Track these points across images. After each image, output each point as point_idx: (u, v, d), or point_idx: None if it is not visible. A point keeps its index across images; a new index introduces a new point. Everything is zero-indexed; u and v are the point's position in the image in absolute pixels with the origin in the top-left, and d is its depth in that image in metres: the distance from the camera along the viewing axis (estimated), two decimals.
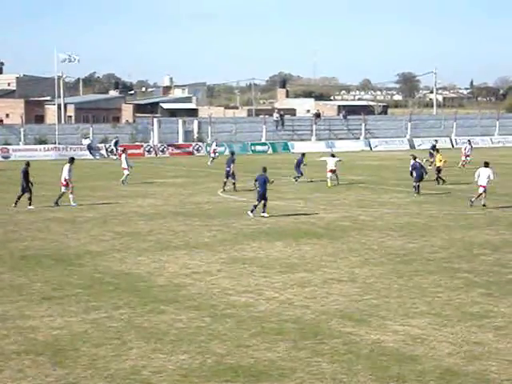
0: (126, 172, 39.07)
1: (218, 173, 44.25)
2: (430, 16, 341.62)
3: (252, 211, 27.05)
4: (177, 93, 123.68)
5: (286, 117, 78.92)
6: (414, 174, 34.44)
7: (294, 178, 40.15)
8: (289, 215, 27.67)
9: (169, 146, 65.95)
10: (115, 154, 60.75)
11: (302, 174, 40.31)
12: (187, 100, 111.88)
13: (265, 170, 28.02)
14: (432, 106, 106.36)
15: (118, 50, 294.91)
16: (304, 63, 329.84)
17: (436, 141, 53.96)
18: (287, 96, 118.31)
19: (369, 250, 21.04)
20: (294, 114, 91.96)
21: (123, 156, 40.19)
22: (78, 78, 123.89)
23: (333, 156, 40.67)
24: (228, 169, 35.96)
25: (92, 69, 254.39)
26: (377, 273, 18.22)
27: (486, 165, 29.93)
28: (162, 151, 65.21)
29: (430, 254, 20.45)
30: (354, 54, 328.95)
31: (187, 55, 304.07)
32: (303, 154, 39.81)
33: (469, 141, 54.94)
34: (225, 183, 36.31)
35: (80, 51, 79.58)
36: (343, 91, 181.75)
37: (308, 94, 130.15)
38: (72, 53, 63.68)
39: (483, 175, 29.47)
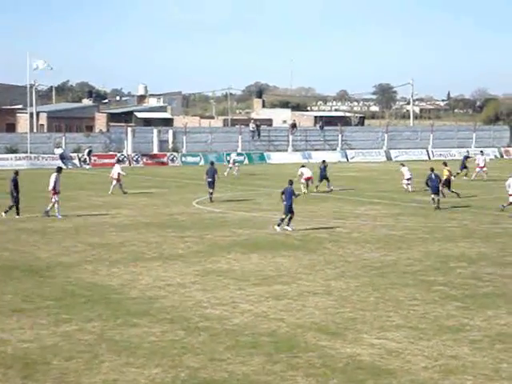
0: (115, 182, 39.28)
1: (192, 183, 44.12)
2: (407, 27, 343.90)
3: (279, 225, 26.50)
4: (151, 102, 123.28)
5: (263, 127, 78.90)
6: (431, 184, 33.80)
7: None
8: (265, 227, 27.53)
9: (143, 155, 65.63)
10: (88, 164, 60.41)
11: (328, 180, 41.79)
12: (162, 109, 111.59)
13: (291, 182, 27.32)
14: (409, 118, 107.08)
15: (92, 59, 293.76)
16: (281, 73, 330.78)
17: (468, 152, 51.96)
18: (264, 106, 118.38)
19: (345, 263, 20.93)
20: (271, 125, 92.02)
21: (116, 166, 40.17)
22: (51, 87, 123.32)
23: (303, 166, 41.11)
24: (211, 179, 35.88)
25: (65, 77, 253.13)
26: (353, 285, 18.09)
27: None
28: (136, 161, 64.86)
29: (406, 267, 20.37)
30: (331, 65, 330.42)
31: (163, 64, 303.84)
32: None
33: (481, 152, 54.16)
34: (211, 193, 36.03)
35: (53, 59, 79.22)
36: (320, 102, 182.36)
37: (285, 105, 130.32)
38: (46, 61, 63.01)
39: None
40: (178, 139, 70.67)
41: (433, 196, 33.54)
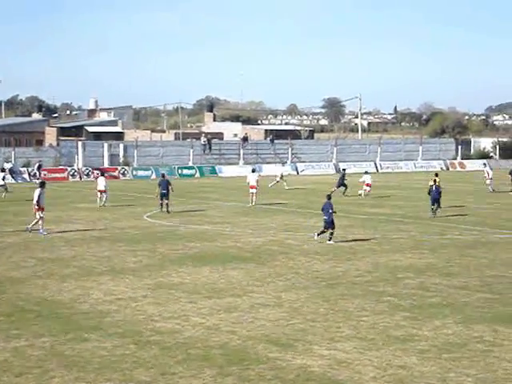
0: (104, 194, 39.68)
1: (143, 197, 43.96)
2: (354, 41, 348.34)
3: (330, 239, 26.78)
4: (102, 116, 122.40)
5: (214, 141, 79.01)
6: (431, 196, 35.20)
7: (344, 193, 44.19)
8: (216, 240, 27.61)
9: (94, 169, 65.16)
10: (38, 178, 59.73)
11: (346, 187, 45.28)
12: (113, 123, 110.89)
13: (329, 197, 27.45)
14: (357, 131, 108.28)
15: (42, 73, 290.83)
16: (231, 87, 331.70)
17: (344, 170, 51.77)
18: (214, 120, 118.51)
19: (295, 274, 21.10)
20: (222, 138, 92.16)
21: (101, 179, 40.57)
22: (0, 101, 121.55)
23: (253, 171, 41.25)
24: (165, 191, 36.54)
25: (14, 91, 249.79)
26: (303, 297, 18.26)
27: None
28: (87, 175, 64.33)
29: (356, 278, 20.63)
30: (280, 79, 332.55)
31: (113, 78, 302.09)
32: (344, 169, 39.09)
33: (485, 164, 55.17)
34: (162, 205, 36.78)
35: (2, 73, 78.32)
36: (270, 115, 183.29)
37: (235, 118, 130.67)
38: None
39: None
40: (129, 153, 70.32)
41: (432, 206, 34.92)
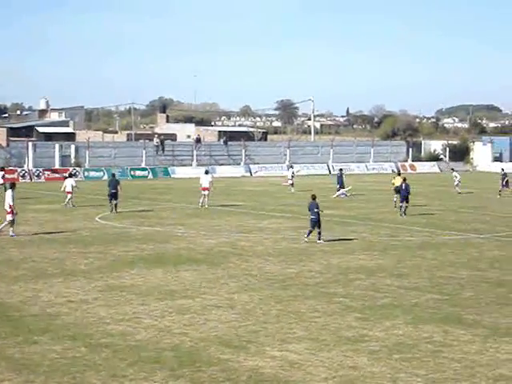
0: (69, 196, 39.86)
1: (95, 198, 43.55)
2: (307, 44, 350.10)
3: (319, 238, 27.33)
4: (53, 116, 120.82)
5: (167, 142, 78.63)
6: (401, 194, 36.96)
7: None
8: (169, 241, 27.50)
9: (45, 170, 64.34)
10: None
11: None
12: (64, 124, 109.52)
13: (314, 197, 27.90)
14: (310, 133, 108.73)
15: None
16: (185, 88, 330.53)
17: (502, 169, 52.41)
18: (167, 121, 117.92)
19: (248, 276, 21.12)
20: (175, 139, 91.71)
21: (69, 180, 40.88)
22: None
23: (206, 173, 41.17)
24: (114, 191, 36.89)
25: None
26: (256, 298, 18.29)
27: None
28: (38, 176, 63.49)
29: (308, 279, 20.73)
30: (234, 81, 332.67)
31: (65, 78, 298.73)
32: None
33: (452, 169, 56.14)
34: (111, 204, 37.12)
35: None
36: (224, 117, 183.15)
37: (189, 120, 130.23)
38: None
39: None
40: (81, 154, 69.64)
41: (401, 204, 36.59)
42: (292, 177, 53.03)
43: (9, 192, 29.29)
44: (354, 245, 27.16)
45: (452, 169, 57.35)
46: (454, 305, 17.79)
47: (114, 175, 40.25)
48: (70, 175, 44.68)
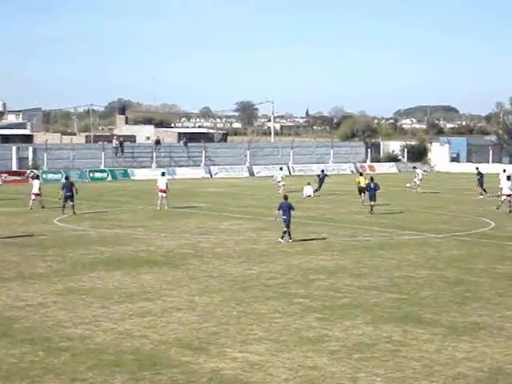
0: (33, 197, 40.07)
1: (53, 201, 43.10)
2: (266, 45, 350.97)
3: (283, 238, 27.73)
4: (10, 118, 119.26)
5: (126, 143, 78.16)
6: (369, 193, 38.92)
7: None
8: (128, 244, 27.34)
9: (1, 173, 63.52)
10: None
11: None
12: (21, 126, 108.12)
13: (286, 197, 28.85)
14: (270, 134, 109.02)
15: None
16: (144, 90, 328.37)
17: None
18: (127, 122, 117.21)
19: (209, 278, 21.09)
20: (134, 141, 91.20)
21: (36, 181, 41.23)
22: None
23: (163, 175, 40.99)
24: (70, 193, 37.11)
25: None
26: (216, 300, 18.27)
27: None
28: None
29: (268, 280, 20.76)
30: (194, 82, 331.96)
31: (21, 80, 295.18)
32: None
33: (415, 167, 57.22)
34: (64, 207, 36.99)
35: None
36: (183, 118, 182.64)
37: (148, 121, 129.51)
38: None
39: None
40: (39, 156, 68.90)
41: (370, 203, 38.12)
42: (281, 180, 51.93)
43: None
44: (314, 245, 27.27)
45: (414, 167, 57.92)
46: (413, 304, 17.97)
47: (67, 178, 40.99)
48: (37, 177, 44.99)
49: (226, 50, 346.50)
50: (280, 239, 27.63)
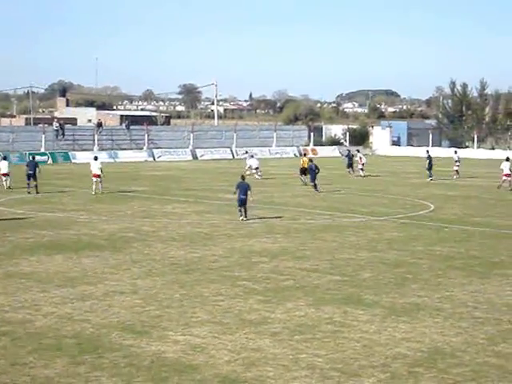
0: (8, 177, 41.08)
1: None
2: (209, 27, 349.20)
3: (241, 216, 28.92)
4: None
5: (67, 126, 77.07)
6: (309, 174, 41.21)
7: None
8: (69, 228, 27.05)
9: None
10: None
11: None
12: None
13: (243, 177, 30.25)
14: (213, 117, 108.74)
15: None
16: (85, 72, 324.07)
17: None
18: (68, 105, 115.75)
19: (151, 261, 21.01)
20: (75, 124, 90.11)
21: (4, 162, 42.17)
22: None
23: (95, 159, 40.35)
24: (31, 171, 38.77)
25: None
26: (159, 283, 18.22)
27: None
28: None
29: (212, 263, 20.79)
30: (136, 64, 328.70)
31: None
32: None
33: (358, 150, 57.65)
34: (29, 185, 38.62)
35: None
36: (126, 101, 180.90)
37: (90, 104, 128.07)
38: None
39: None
40: None
41: (314, 183, 40.45)
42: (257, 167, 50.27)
43: None
44: (257, 228, 27.37)
45: (357, 150, 58.30)
46: (354, 286, 18.20)
47: (33, 158, 42.56)
48: (5, 158, 45.46)
49: (170, 31, 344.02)
50: (243, 218, 28.83)
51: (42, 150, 68.85)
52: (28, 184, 38.69)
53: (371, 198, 38.82)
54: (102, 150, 72.36)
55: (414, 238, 25.72)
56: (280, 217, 30.59)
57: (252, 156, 53.69)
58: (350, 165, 52.37)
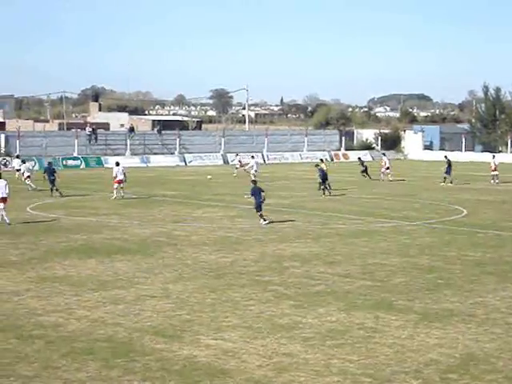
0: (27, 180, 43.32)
1: (26, 189, 42.81)
2: (242, 34, 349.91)
3: (264, 220, 29.33)
4: None
5: (100, 131, 77.67)
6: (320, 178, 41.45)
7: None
8: (102, 231, 27.24)
9: None
10: None
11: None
12: None
13: (255, 182, 31.05)
14: (244, 122, 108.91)
15: None
16: (118, 77, 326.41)
17: (446, 157, 52.86)
18: (100, 110, 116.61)
19: (183, 266, 21.07)
20: (108, 129, 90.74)
21: (24, 165, 44.89)
22: None
23: (117, 164, 40.46)
24: (52, 177, 40.08)
25: None
26: (190, 288, 18.27)
27: None
28: None
29: (243, 268, 20.79)
30: (168, 69, 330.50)
31: None
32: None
33: (384, 154, 58.44)
34: (52, 190, 39.76)
35: None
36: (158, 106, 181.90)
37: (122, 109, 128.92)
38: None
39: None
40: (11, 143, 68.30)
41: (323, 186, 41.00)
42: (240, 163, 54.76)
43: None
44: (288, 233, 27.33)
45: (383, 153, 58.10)
46: (386, 291, 18.09)
47: (50, 164, 43.10)
48: (24, 161, 47.43)
49: (201, 37, 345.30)
50: (263, 221, 29.07)
51: (75, 154, 69.49)
52: (51, 189, 39.82)
53: (403, 202, 38.59)
54: (134, 154, 72.91)
55: (446, 243, 25.51)
56: (310, 221, 30.52)
57: (252, 157, 55.58)
58: (364, 171, 52.41)
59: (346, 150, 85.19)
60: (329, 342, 13.81)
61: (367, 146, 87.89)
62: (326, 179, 41.31)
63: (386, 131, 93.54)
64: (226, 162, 74.78)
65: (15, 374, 11.89)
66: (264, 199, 29.51)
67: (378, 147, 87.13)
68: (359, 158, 56.08)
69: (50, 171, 40.70)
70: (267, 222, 29.26)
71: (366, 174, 52.24)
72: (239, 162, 57.78)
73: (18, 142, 67.67)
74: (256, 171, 50.90)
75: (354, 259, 22.24)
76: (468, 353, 13.31)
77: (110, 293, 17.64)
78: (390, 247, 24.44)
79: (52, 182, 40.05)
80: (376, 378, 11.98)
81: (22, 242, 24.75)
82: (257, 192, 29.47)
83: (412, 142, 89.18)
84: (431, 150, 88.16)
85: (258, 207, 29.49)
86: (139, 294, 17.50)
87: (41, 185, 42.11)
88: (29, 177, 43.56)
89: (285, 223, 29.85)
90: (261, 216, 29.39)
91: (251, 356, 12.98)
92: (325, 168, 42.69)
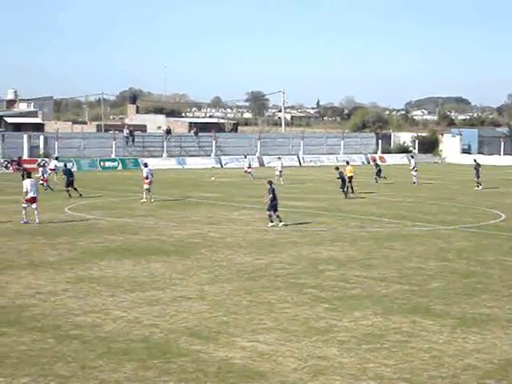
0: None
1: (64, 190, 43.24)
2: (277, 35, 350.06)
3: (281, 221, 29.43)
4: (22, 107, 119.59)
5: (137, 133, 78.25)
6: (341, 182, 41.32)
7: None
8: (139, 233, 27.40)
9: (13, 161, 63.71)
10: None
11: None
12: (33, 114, 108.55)
13: (271, 183, 30.43)
14: (280, 125, 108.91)
15: None
16: (155, 79, 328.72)
17: (475, 160, 52.55)
18: (137, 112, 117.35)
19: (218, 267, 21.12)
20: (145, 130, 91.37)
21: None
22: None
23: (146, 166, 40.61)
24: (72, 178, 41.05)
25: None
26: (226, 289, 18.30)
27: None
28: (6, 167, 62.90)
29: (278, 270, 20.78)
30: (204, 72, 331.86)
31: (33, 68, 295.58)
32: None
33: (412, 156, 58.25)
34: (69, 191, 40.35)
35: None
36: (194, 108, 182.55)
37: (159, 111, 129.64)
38: None
39: None
40: (50, 145, 69.10)
41: (343, 189, 40.97)
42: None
43: (27, 181, 29.92)
44: (323, 236, 27.25)
45: (412, 156, 57.68)
46: (423, 295, 17.94)
47: (66, 165, 44.12)
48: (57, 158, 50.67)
49: (237, 39, 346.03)
50: (281, 223, 29.16)
51: (113, 156, 70.08)
52: (68, 191, 40.40)
53: (439, 206, 38.26)
54: (171, 156, 73.33)
55: (484, 247, 25.24)
56: (347, 225, 30.40)
57: (279, 158, 56.11)
58: (377, 173, 52.13)
59: (383, 152, 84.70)
60: (364, 346, 13.73)
61: (404, 149, 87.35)
62: (346, 182, 41.33)
63: (424, 134, 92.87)
64: (261, 164, 74.79)
65: (53, 374, 12.01)
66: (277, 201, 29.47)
67: (415, 150, 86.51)
68: (374, 161, 55.72)
69: (70, 173, 41.63)
70: (273, 224, 29.25)
71: (379, 176, 51.78)
72: (249, 165, 57.34)
73: (56, 143, 68.43)
74: (280, 172, 51.24)
75: (391, 263, 22.10)
76: (506, 358, 13.15)
77: (147, 294, 17.73)
78: (426, 251, 24.24)
79: (71, 183, 40.74)
80: (412, 382, 11.88)
81: (59, 242, 25.00)
82: (272, 192, 29.45)
83: (450, 146, 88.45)
84: (469, 153, 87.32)
85: (271, 208, 29.45)
86: (175, 296, 17.57)
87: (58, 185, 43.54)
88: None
89: (321, 226, 29.76)
90: (278, 217, 29.43)
91: (286, 359, 12.95)
92: (348, 171, 43.10)
